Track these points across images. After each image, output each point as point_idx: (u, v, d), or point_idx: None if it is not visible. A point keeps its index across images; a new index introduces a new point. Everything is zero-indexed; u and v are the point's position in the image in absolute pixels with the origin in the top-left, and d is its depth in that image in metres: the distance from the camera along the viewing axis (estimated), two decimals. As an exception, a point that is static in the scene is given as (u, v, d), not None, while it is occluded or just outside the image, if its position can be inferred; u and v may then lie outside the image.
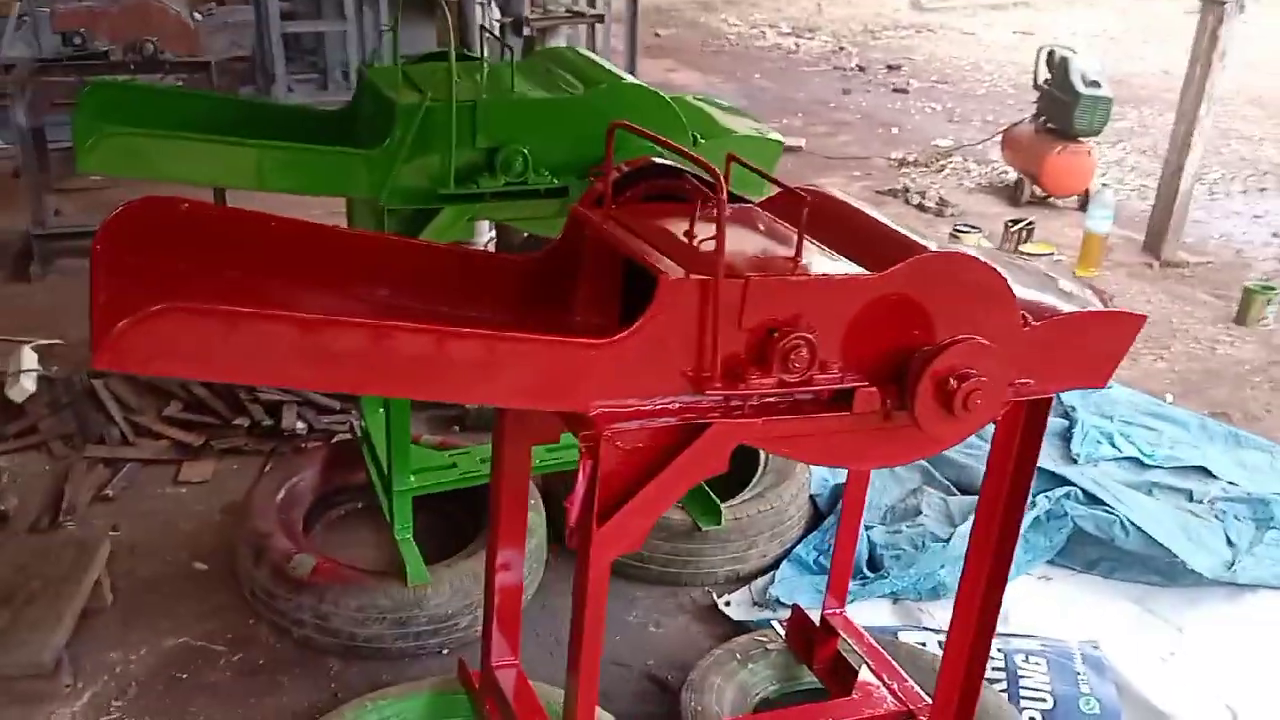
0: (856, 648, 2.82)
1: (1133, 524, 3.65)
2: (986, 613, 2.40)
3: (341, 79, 9.32)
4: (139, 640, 3.28)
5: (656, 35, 12.44)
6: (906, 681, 2.71)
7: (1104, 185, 7.26)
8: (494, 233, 4.75)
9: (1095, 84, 7.19)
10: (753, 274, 1.92)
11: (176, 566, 3.60)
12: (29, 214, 5.87)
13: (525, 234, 4.48)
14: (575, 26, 7.89)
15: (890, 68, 11.70)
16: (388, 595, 3.18)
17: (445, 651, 3.27)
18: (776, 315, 1.93)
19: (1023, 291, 2.15)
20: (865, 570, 3.54)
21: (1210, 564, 3.60)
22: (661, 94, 3.18)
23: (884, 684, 2.69)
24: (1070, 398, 4.52)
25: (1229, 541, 3.76)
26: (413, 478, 3.30)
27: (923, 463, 4.04)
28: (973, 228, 6.72)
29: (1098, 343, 2.24)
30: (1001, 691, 3.05)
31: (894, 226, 2.32)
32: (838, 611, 2.91)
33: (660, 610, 3.51)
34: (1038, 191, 7.52)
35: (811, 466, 3.84)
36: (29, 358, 4.62)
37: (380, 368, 1.78)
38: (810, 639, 2.98)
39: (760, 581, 3.57)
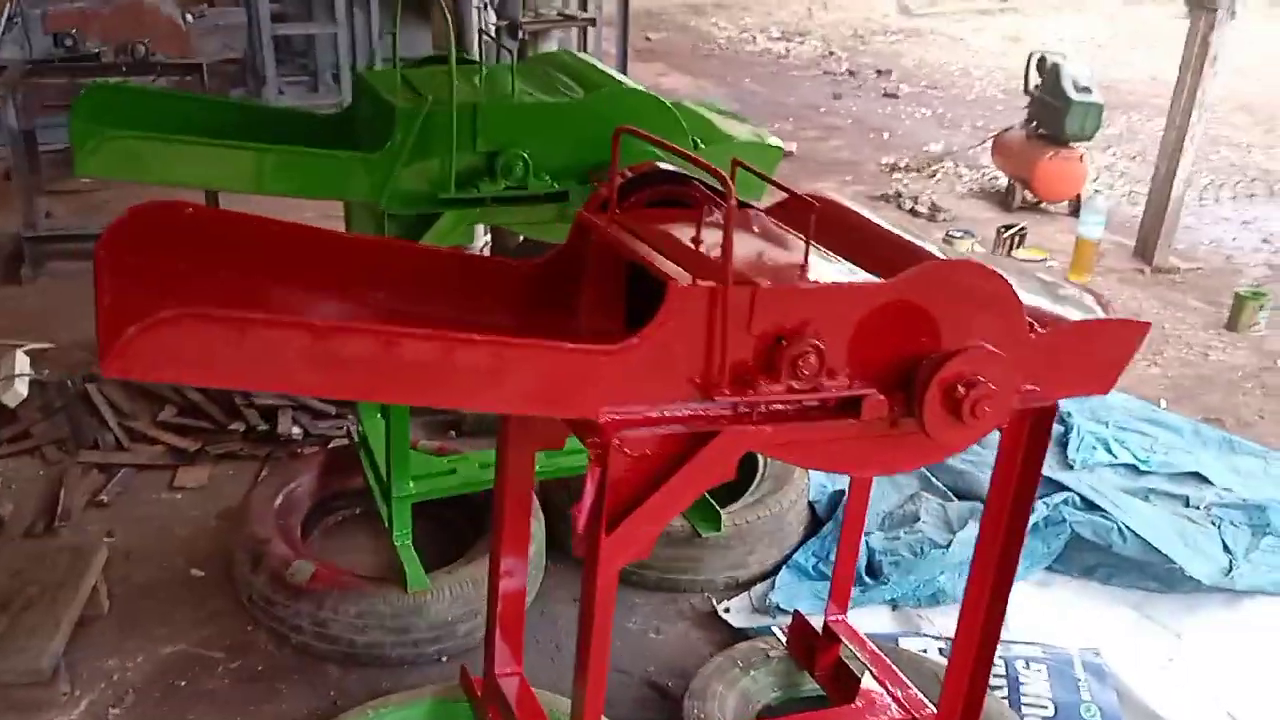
0: (859, 655, 2.81)
1: (1131, 530, 3.66)
2: (991, 620, 2.40)
3: (332, 81, 9.31)
4: (136, 647, 3.26)
5: (647, 39, 12.45)
6: (910, 689, 2.70)
7: (1096, 191, 7.29)
8: (489, 237, 4.75)
9: (1086, 90, 7.22)
10: (761, 281, 1.91)
11: (173, 573, 3.58)
12: (20, 216, 5.84)
13: (520, 238, 4.48)
14: (566, 30, 7.90)
15: (880, 73, 11.73)
16: (387, 602, 3.16)
17: (444, 658, 3.25)
18: (785, 322, 1.92)
19: (1028, 298, 2.15)
20: (864, 577, 3.53)
21: (1208, 570, 3.61)
22: (662, 99, 3.18)
23: (887, 691, 2.68)
24: (1065, 403, 4.52)
25: (1225, 548, 3.77)
26: (412, 484, 3.28)
27: (920, 468, 4.04)
28: (965, 233, 6.74)
29: (1102, 350, 2.24)
30: (1003, 699, 3.05)
31: (900, 233, 2.32)
32: (840, 618, 2.91)
33: (660, 617, 3.50)
34: (1029, 197, 7.54)
35: (810, 472, 3.84)
36: (21, 361, 4.59)
37: (389, 374, 1.76)
38: (812, 646, 2.97)
39: (760, 588, 3.57)
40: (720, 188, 2.32)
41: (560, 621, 3.45)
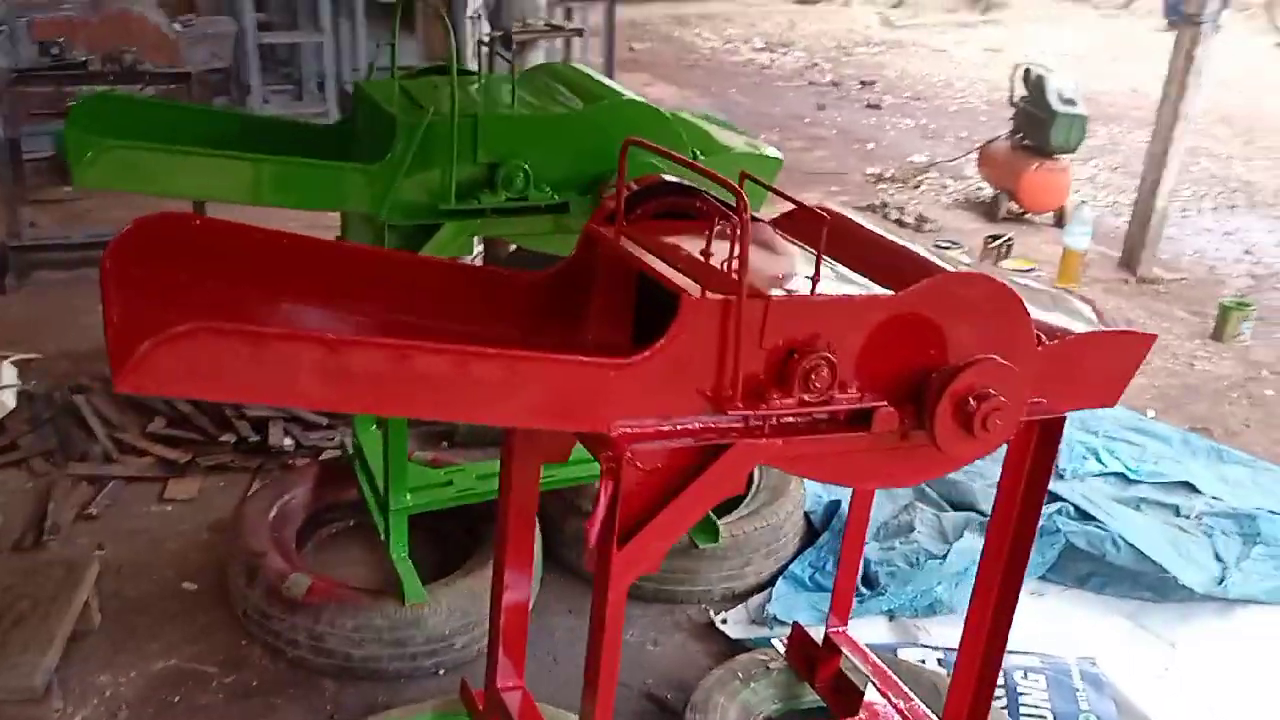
0: (861, 666, 2.81)
1: (1124, 540, 3.68)
2: (996, 633, 2.40)
3: (317, 90, 9.28)
4: (128, 662, 3.22)
5: (631, 49, 12.47)
6: (912, 700, 2.70)
7: (1083, 202, 7.33)
8: (481, 246, 4.73)
9: (1071, 102, 7.28)
10: (774, 293, 1.91)
11: (164, 586, 3.54)
12: (4, 226, 5.79)
13: (513, 248, 4.47)
14: (551, 40, 7.90)
15: (864, 84, 11.79)
16: (384, 615, 3.14)
17: (442, 672, 3.23)
18: (796, 335, 1.92)
19: (1035, 311, 2.16)
20: (861, 588, 3.53)
21: (1201, 579, 3.63)
22: (662, 110, 3.18)
23: (890, 703, 2.68)
24: (1057, 414, 4.54)
25: (1217, 556, 3.80)
26: (409, 496, 3.27)
27: (915, 479, 4.05)
28: (953, 244, 6.77)
29: (1109, 362, 2.25)
30: (1002, 708, 3.06)
31: (907, 245, 2.33)
32: (840, 630, 2.90)
33: (657, 628, 3.49)
34: (1014, 208, 7.59)
35: (806, 483, 3.84)
36: (8, 372, 4.55)
37: (402, 388, 1.75)
38: (812, 657, 2.97)
39: (757, 599, 3.56)
40: (728, 199, 2.36)
41: (557, 633, 3.44)
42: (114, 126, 3.02)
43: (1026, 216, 7.60)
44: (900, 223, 7.45)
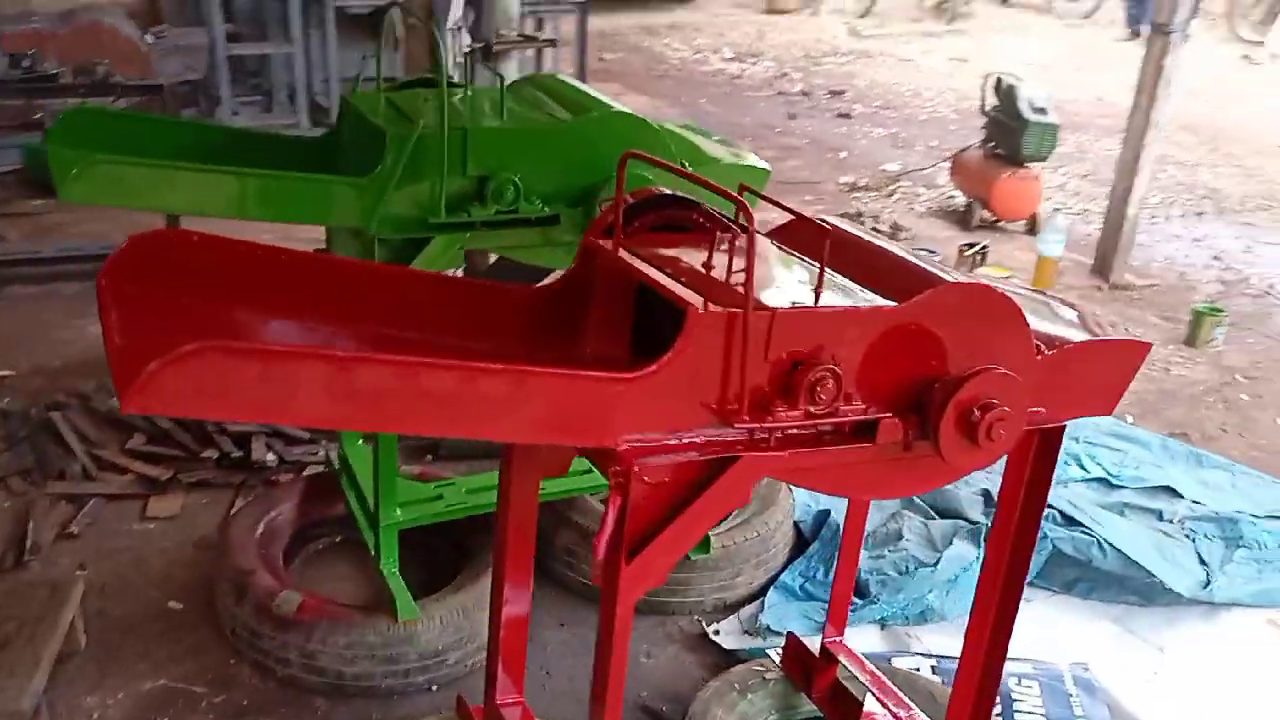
0: (859, 676, 2.81)
1: (1110, 545, 3.71)
2: (997, 643, 2.41)
3: (287, 102, 9.22)
4: (116, 684, 3.17)
5: (601, 59, 12.47)
6: (911, 709, 2.71)
7: (1056, 210, 7.42)
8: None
9: (1042, 111, 7.34)
10: (778, 306, 1.91)
11: (150, 606, 3.49)
12: (-28, 241, 5.72)
13: (493, 259, 4.45)
14: (523, 51, 7.90)
15: (833, 93, 11.84)
16: (377, 631, 3.11)
17: (435, 688, 3.21)
18: (801, 347, 1.92)
19: (1032, 320, 2.17)
20: (853, 597, 3.53)
21: (1187, 584, 3.67)
22: (650, 122, 3.18)
23: (890, 712, 2.69)
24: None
25: (1201, 560, 3.84)
26: (399, 511, 3.24)
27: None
28: (929, 252, 6.80)
29: (1106, 370, 2.27)
30: (997, 715, 3.07)
31: (905, 255, 2.34)
32: (837, 640, 2.91)
33: (649, 640, 3.48)
34: (987, 216, 7.65)
35: (795, 493, 3.85)
36: (-19, 390, 4.48)
37: (409, 405, 1.74)
38: (808, 667, 2.97)
39: (749, 609, 3.56)
40: (725, 210, 2.36)
41: (550, 647, 3.43)
42: (96, 141, 2.99)
43: (999, 224, 7.66)
44: (875, 231, 7.47)
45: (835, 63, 13.63)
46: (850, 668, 2.85)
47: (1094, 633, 3.59)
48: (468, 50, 4.23)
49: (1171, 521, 4.06)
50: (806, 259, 2.25)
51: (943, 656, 3.34)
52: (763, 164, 3.44)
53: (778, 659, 3.12)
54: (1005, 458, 2.25)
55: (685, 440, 1.92)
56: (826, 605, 3.49)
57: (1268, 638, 3.62)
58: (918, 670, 3.24)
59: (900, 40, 15.10)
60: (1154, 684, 3.34)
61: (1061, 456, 4.34)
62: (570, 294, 2.29)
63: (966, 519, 3.93)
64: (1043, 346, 2.14)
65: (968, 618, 3.47)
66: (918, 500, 4.06)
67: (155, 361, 1.53)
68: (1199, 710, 3.23)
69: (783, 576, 3.65)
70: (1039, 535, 3.68)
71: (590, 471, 3.32)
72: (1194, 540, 3.94)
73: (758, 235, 2.34)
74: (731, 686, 2.99)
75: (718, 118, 10.63)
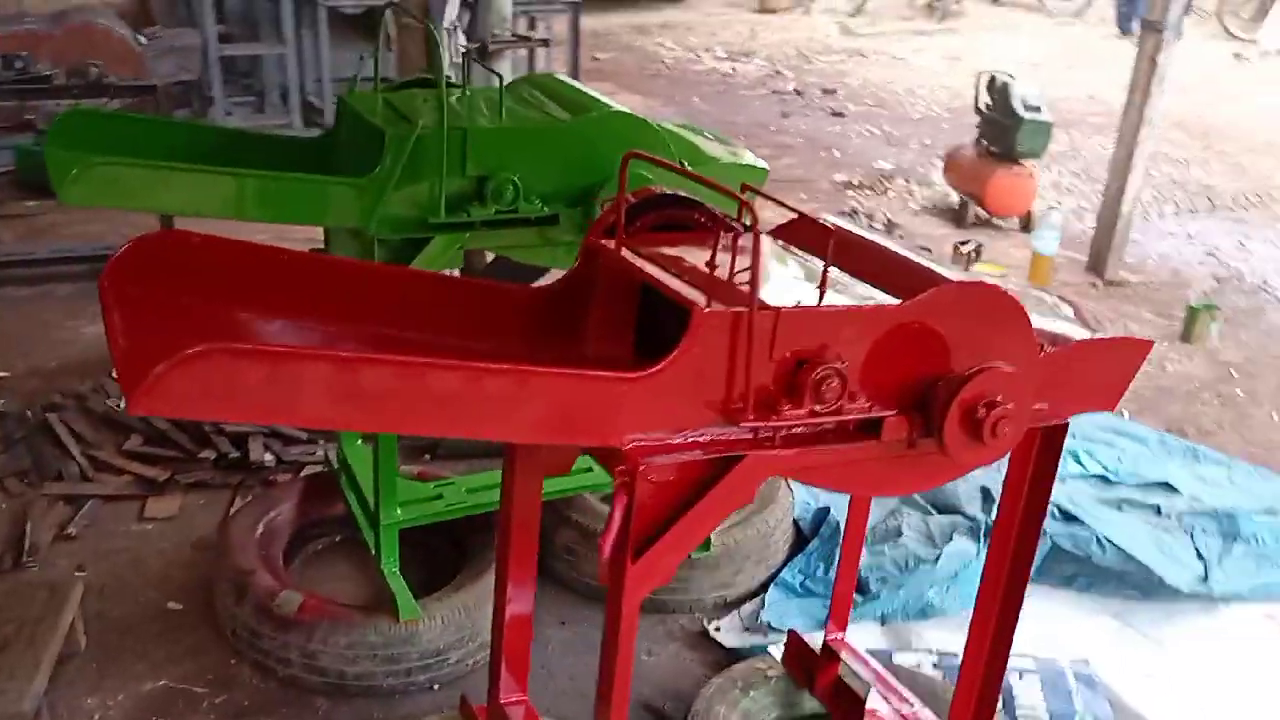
0: (862, 673, 2.82)
1: (1109, 541, 3.72)
2: (1000, 639, 2.42)
3: (280, 102, 9.20)
4: (116, 685, 3.16)
5: (595, 59, 12.46)
6: (914, 706, 2.71)
7: (1051, 207, 7.43)
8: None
9: (1036, 109, 7.35)
10: (784, 305, 1.92)
11: (149, 607, 3.49)
12: (-35, 242, 5.70)
13: (490, 257, 4.45)
14: (515, 51, 7.90)
15: (826, 91, 11.84)
16: (378, 631, 3.11)
17: (436, 687, 3.21)
18: (805, 346, 1.93)
19: (1034, 319, 2.18)
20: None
21: (1186, 579, 3.68)
22: (649, 121, 3.18)
23: (894, 709, 2.69)
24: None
25: (1199, 555, 3.85)
26: (399, 510, 3.24)
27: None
28: (923, 249, 6.82)
29: (1109, 368, 2.28)
30: (998, 711, 3.07)
31: (906, 254, 2.34)
32: (839, 637, 2.91)
33: (650, 638, 3.48)
34: (981, 213, 7.66)
35: (795, 490, 3.85)
36: (-23, 392, 4.47)
37: (415, 405, 1.74)
38: (810, 665, 2.98)
39: (749, 606, 3.56)
40: (727, 209, 2.37)
41: (550, 645, 3.43)
42: (93, 142, 2.98)
43: (993, 221, 7.67)
44: (873, 228, 7.51)
45: (828, 61, 13.62)
46: (853, 665, 2.86)
47: (1094, 628, 3.60)
48: (464, 50, 4.22)
49: (1169, 517, 4.07)
50: (807, 257, 2.25)
51: (944, 652, 3.35)
52: (761, 163, 3.45)
53: (779, 656, 3.12)
54: (1007, 455, 2.26)
55: (690, 439, 1.93)
56: (827, 602, 3.50)
57: (1266, 632, 3.63)
58: (919, 666, 3.25)
59: (892, 39, 15.10)
60: (1154, 679, 3.35)
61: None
62: (572, 294, 2.29)
63: (965, 515, 3.94)
64: (1045, 344, 2.15)
65: (968, 613, 3.51)
66: (916, 497, 4.06)
67: (162, 364, 1.52)
68: (1199, 705, 3.24)
69: (783, 574, 3.66)
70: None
71: (590, 470, 3.32)
72: (1192, 535, 3.95)
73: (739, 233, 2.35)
74: (734, 684, 2.99)
75: (711, 116, 10.63)
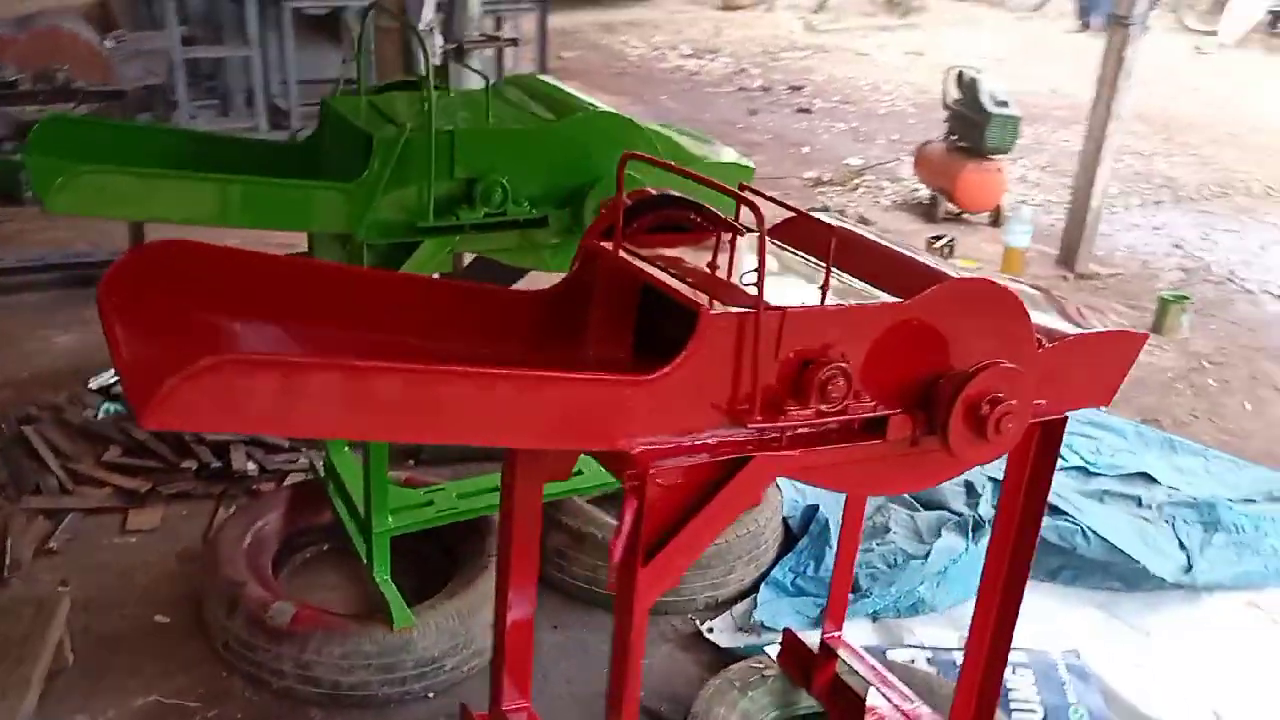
0: (860, 670, 2.83)
1: (1094, 532, 3.75)
2: (1001, 634, 2.44)
3: (244, 105, 9.11)
4: (106, 702, 3.11)
5: (560, 58, 12.42)
6: (914, 702, 2.73)
7: (1022, 201, 7.49)
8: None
9: (1004, 104, 7.41)
10: (788, 305, 1.92)
11: (136, 621, 3.44)
12: (-68, 252, 5.59)
13: (470, 258, 4.42)
14: (484, 51, 7.86)
15: (793, 88, 11.89)
16: (373, 640, 3.08)
17: (431, 695, 3.18)
18: (810, 345, 1.93)
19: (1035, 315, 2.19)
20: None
21: (1170, 569, 3.72)
22: (635, 121, 3.18)
23: (895, 706, 2.70)
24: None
25: (1181, 545, 3.89)
26: (390, 518, 3.21)
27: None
28: (896, 245, 6.85)
29: (1105, 362, 2.30)
30: (993, 705, 3.10)
31: (904, 252, 2.35)
32: (836, 635, 2.92)
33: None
34: (951, 208, 7.72)
35: (784, 488, 3.86)
36: (-50, 405, 4.39)
37: (427, 413, 1.73)
38: (807, 663, 2.98)
39: (741, 606, 3.57)
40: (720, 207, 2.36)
41: (544, 649, 3.40)
42: (74, 150, 2.94)
43: (963, 216, 7.73)
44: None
45: (792, 58, 13.68)
46: (851, 662, 2.87)
47: (1081, 620, 3.63)
48: (444, 50, 4.20)
49: (1150, 508, 4.12)
50: (803, 255, 2.26)
51: (937, 648, 3.37)
52: (747, 161, 3.45)
53: (774, 655, 3.13)
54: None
55: (699, 442, 1.92)
56: (818, 600, 3.53)
57: (1250, 619, 3.68)
58: (913, 662, 3.27)
59: (855, 34, 15.20)
60: (1144, 669, 3.39)
61: (1040, 446, 4.43)
62: (571, 297, 2.28)
63: (951, 510, 3.96)
64: (1043, 339, 2.16)
65: (958, 608, 3.55)
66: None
67: (173, 377, 1.50)
68: (1188, 692, 3.28)
69: (773, 573, 3.66)
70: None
71: (580, 473, 3.30)
72: (1173, 525, 4.00)
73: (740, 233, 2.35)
74: (732, 684, 2.99)
75: (679, 115, 10.63)
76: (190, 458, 4.15)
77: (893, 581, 3.58)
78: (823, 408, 1.94)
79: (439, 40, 4.42)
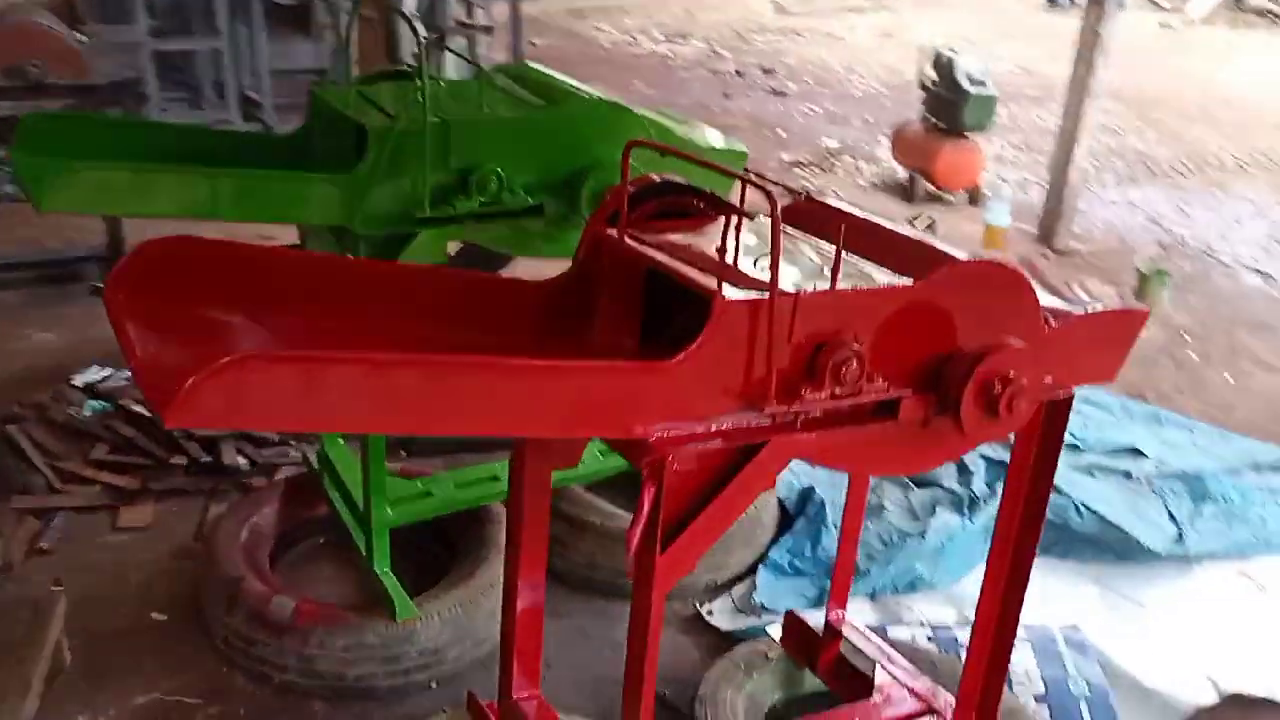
0: (866, 649, 2.85)
1: (1087, 507, 3.79)
2: (1009, 610, 2.46)
3: (215, 97, 9.01)
4: (106, 701, 3.09)
5: (533, 44, 12.36)
6: (921, 678, 2.74)
7: (1002, 180, 7.53)
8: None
9: (980, 83, 7.45)
10: (801, 289, 1.92)
11: (133, 619, 3.40)
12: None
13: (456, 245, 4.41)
14: (456, 38, 7.82)
15: (766, 71, 11.90)
16: (376, 632, 3.07)
17: (434, 685, 3.18)
18: (822, 329, 1.93)
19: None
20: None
21: (1162, 541, 3.76)
22: (629, 107, 3.17)
23: (902, 684, 2.72)
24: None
25: (1172, 517, 3.94)
26: (390, 510, 3.20)
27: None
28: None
29: (1109, 339, 2.32)
30: (995, 680, 3.12)
31: (906, 233, 2.36)
32: (840, 614, 2.94)
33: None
34: (930, 188, 7.75)
35: (779, 471, 3.87)
36: (-68, 407, 4.33)
37: (449, 404, 1.72)
38: (810, 644, 3.00)
39: (740, 588, 3.58)
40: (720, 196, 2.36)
41: (546, 637, 3.39)
42: (61, 146, 2.89)
43: (942, 196, 7.76)
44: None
45: (764, 41, 13.68)
46: (856, 642, 2.88)
47: (1077, 594, 3.67)
48: (427, 39, 4.16)
49: (1140, 481, 4.17)
50: (803, 237, 2.26)
51: (937, 625, 3.40)
52: (741, 146, 3.45)
53: (776, 636, 3.14)
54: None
55: (715, 428, 1.93)
56: (816, 581, 3.55)
57: (1241, 588, 3.73)
58: (914, 640, 3.28)
59: (826, 16, 15.22)
60: (1140, 640, 3.43)
61: (1029, 423, 4.47)
62: (577, 285, 2.27)
63: (943, 488, 3.99)
64: (1049, 319, 2.18)
65: (956, 585, 3.58)
66: (895, 472, 4.11)
67: (195, 376, 1.49)
68: (1184, 661, 3.32)
69: (771, 554, 3.68)
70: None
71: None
72: (1163, 498, 4.04)
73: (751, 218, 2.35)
74: (737, 666, 3.00)
75: (654, 99, 10.60)
76: (179, 454, 4.11)
77: (890, 560, 3.60)
78: (837, 390, 1.95)
79: (421, 29, 4.38)
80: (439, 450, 4.25)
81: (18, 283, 5.60)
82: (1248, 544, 3.88)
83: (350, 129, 2.95)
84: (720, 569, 3.61)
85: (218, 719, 3.08)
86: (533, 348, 2.21)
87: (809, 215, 2.33)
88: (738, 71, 11.88)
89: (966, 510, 3.78)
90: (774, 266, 1.86)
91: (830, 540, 3.63)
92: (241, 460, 4.12)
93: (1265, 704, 3.22)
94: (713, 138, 3.45)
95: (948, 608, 3.52)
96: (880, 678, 2.76)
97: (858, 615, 3.45)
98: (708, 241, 2.18)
